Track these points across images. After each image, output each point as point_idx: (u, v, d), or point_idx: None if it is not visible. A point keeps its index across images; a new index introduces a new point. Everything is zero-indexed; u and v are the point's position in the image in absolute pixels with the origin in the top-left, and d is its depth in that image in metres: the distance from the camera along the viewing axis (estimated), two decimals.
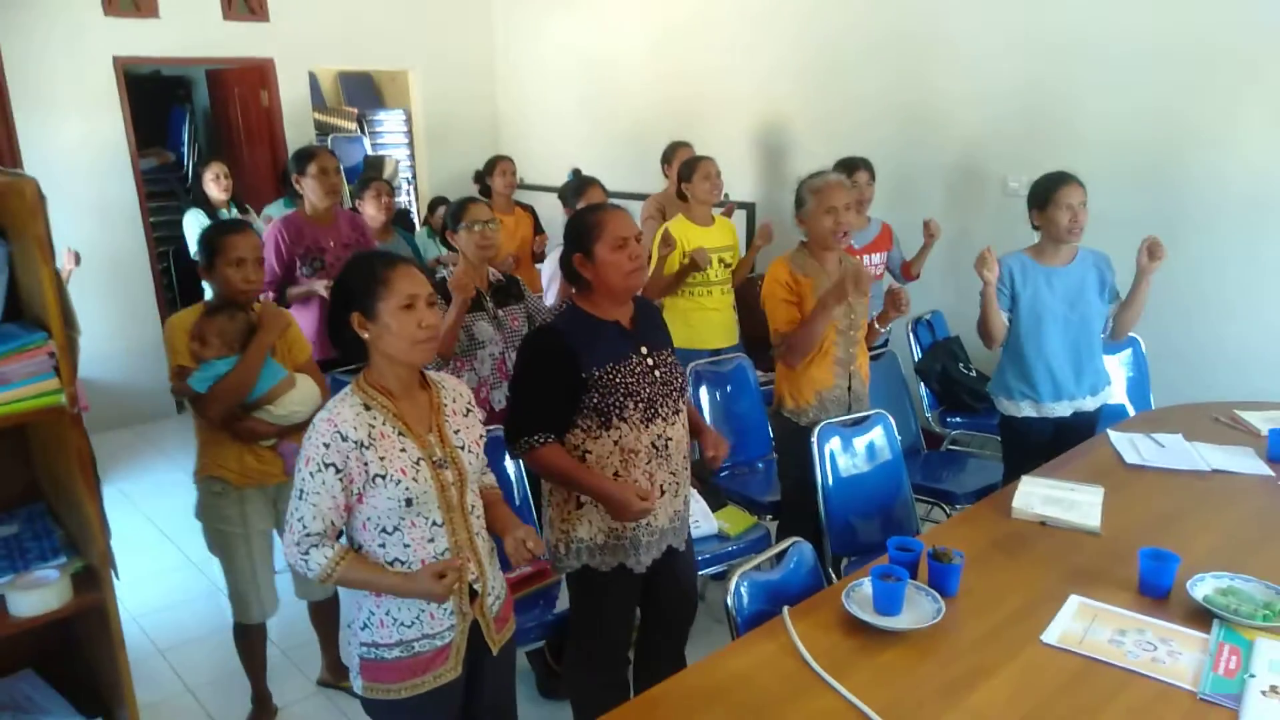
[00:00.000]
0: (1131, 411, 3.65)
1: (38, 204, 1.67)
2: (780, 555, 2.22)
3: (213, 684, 3.14)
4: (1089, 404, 3.16)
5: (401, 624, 1.87)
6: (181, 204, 6.12)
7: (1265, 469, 2.68)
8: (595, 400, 2.18)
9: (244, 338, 2.54)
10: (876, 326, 3.12)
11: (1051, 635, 1.87)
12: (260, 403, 2.55)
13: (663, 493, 2.27)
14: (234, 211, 4.99)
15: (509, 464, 2.94)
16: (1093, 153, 3.93)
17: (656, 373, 2.27)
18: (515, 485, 2.97)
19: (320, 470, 1.76)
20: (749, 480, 3.58)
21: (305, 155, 3.73)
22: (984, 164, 4.41)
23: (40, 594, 1.82)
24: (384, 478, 1.78)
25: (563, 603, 2.71)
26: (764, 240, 4.21)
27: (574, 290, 2.30)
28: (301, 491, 1.78)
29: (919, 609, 1.95)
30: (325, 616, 3.04)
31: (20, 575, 1.87)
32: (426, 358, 1.88)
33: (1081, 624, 1.91)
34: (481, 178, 4.91)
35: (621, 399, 2.19)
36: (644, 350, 2.27)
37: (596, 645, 2.42)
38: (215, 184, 4.84)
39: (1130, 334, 3.71)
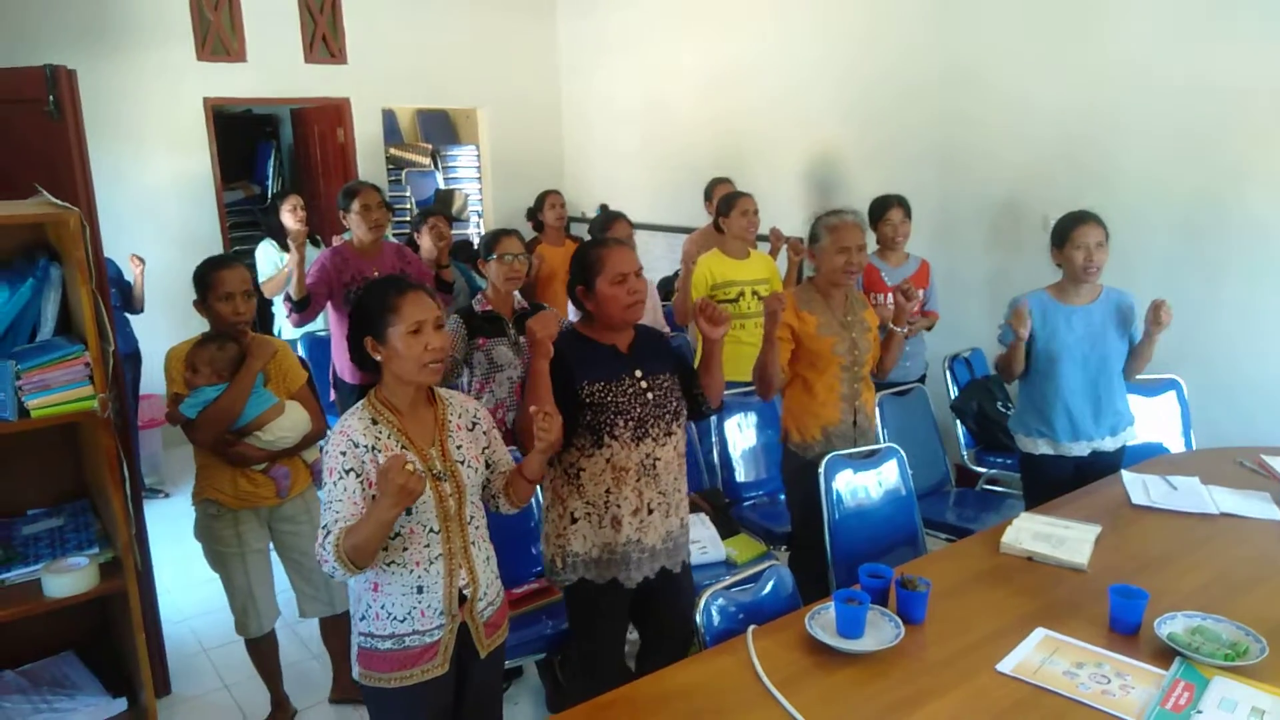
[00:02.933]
0: (1175, 452, 3.59)
1: (79, 233, 1.90)
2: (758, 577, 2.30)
3: (247, 681, 3.33)
4: (1108, 444, 3.13)
5: (395, 618, 2.00)
6: (265, 234, 6.51)
7: (1277, 514, 2.63)
8: (588, 418, 2.30)
9: (234, 366, 2.64)
10: (894, 328, 3.11)
11: (1007, 664, 1.90)
12: (249, 428, 2.65)
13: (650, 511, 2.36)
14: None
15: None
16: (1132, 191, 3.92)
17: (649, 395, 2.36)
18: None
19: (342, 477, 1.91)
20: (768, 510, 3.63)
21: (350, 193, 3.95)
22: (1025, 202, 4.41)
23: (70, 578, 2.03)
24: None
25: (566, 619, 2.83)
26: (795, 254, 4.31)
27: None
28: (329, 503, 1.91)
29: (880, 633, 2.00)
30: (335, 634, 3.12)
31: (55, 561, 2.08)
32: (433, 379, 2.01)
33: (1041, 655, 1.94)
34: (534, 213, 5.12)
35: (612, 417, 2.30)
36: (638, 373, 2.38)
37: (594, 655, 2.50)
38: (291, 215, 5.16)
39: (1170, 375, 3.70)
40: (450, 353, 2.12)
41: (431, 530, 2.00)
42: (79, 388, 1.97)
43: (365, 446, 1.93)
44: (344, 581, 1.88)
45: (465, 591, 2.05)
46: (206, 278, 2.69)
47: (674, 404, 2.43)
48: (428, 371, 1.97)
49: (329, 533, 1.88)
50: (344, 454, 1.91)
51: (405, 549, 1.98)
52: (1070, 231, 3.05)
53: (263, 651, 2.96)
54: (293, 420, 2.72)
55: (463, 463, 2.05)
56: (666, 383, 2.43)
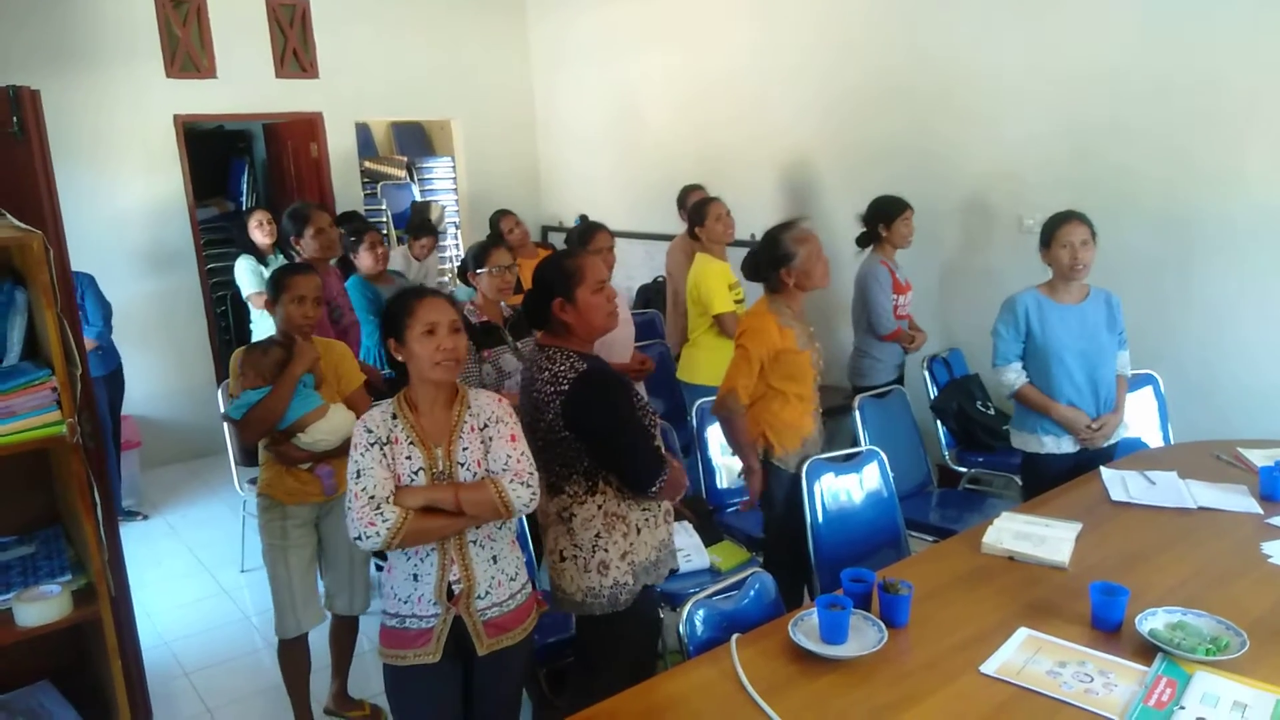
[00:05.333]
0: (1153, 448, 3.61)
1: (43, 256, 1.87)
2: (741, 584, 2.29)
3: (232, 705, 3.30)
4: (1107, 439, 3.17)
5: (399, 599, 2.11)
6: (239, 250, 6.46)
7: (1254, 506, 2.65)
8: None
9: (278, 370, 2.75)
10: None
11: (991, 666, 1.90)
12: (293, 429, 2.76)
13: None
14: (279, 256, 5.26)
15: None
16: (1106, 191, 3.94)
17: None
18: None
19: (369, 449, 2.03)
20: (749, 516, 3.62)
21: (302, 219, 3.84)
22: (999, 202, 4.44)
23: (42, 606, 2.00)
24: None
25: (555, 632, 2.81)
26: None
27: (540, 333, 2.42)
28: (358, 472, 2.01)
29: (863, 638, 1.99)
30: (344, 637, 3.14)
31: (27, 589, 2.05)
32: (448, 377, 2.08)
33: (1024, 655, 1.94)
34: (497, 240, 5.07)
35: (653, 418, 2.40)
36: None
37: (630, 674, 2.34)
38: (259, 230, 5.11)
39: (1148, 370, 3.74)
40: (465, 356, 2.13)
41: None
42: (46, 413, 1.93)
43: (377, 437, 2.05)
44: (373, 550, 2.03)
45: (455, 586, 2.09)
46: (282, 281, 2.84)
47: None
48: (439, 370, 2.04)
49: (374, 495, 1.97)
50: (368, 431, 2.05)
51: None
52: (1055, 231, 3.07)
53: (292, 659, 2.96)
54: (333, 424, 2.79)
55: (463, 464, 2.08)
56: None
